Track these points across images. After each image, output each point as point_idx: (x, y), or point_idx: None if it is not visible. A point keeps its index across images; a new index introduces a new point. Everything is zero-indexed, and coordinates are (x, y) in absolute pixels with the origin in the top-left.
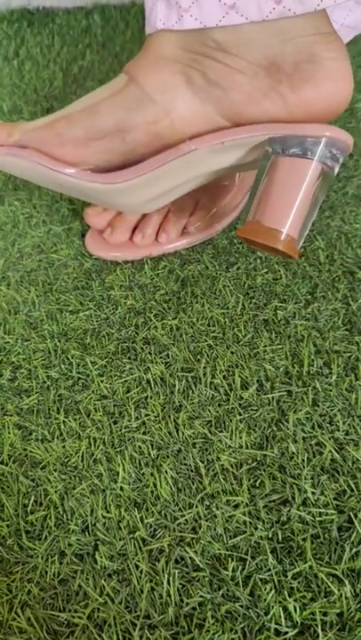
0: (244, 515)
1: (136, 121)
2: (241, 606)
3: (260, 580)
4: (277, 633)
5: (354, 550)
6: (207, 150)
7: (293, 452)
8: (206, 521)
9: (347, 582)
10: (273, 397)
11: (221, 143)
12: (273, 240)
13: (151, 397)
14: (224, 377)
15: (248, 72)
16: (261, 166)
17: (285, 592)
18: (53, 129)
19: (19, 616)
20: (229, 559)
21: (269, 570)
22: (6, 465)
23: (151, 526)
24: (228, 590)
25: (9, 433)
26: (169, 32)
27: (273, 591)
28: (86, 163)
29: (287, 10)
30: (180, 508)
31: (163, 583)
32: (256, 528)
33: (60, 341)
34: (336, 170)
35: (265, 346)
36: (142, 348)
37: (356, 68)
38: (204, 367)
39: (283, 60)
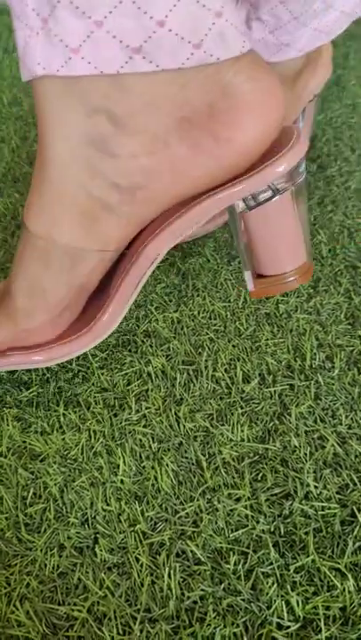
0: (245, 508)
1: (85, 273)
2: (243, 600)
3: (262, 573)
4: (280, 627)
5: (357, 544)
6: (168, 248)
7: (296, 446)
8: (208, 514)
9: (350, 576)
10: (275, 391)
11: (180, 236)
12: (288, 286)
13: (152, 390)
14: (225, 370)
15: (157, 148)
16: (231, 221)
17: (288, 586)
18: (18, 326)
19: (17, 609)
20: (231, 553)
21: (271, 564)
22: (5, 457)
23: (152, 519)
24: (229, 584)
25: (8, 425)
26: (52, 87)
27: (275, 585)
28: (63, 326)
29: (208, 55)
30: (181, 502)
31: (163, 577)
32: (258, 522)
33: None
34: (304, 174)
35: (267, 339)
36: (143, 341)
37: (351, 54)
38: (206, 360)
39: (192, 108)
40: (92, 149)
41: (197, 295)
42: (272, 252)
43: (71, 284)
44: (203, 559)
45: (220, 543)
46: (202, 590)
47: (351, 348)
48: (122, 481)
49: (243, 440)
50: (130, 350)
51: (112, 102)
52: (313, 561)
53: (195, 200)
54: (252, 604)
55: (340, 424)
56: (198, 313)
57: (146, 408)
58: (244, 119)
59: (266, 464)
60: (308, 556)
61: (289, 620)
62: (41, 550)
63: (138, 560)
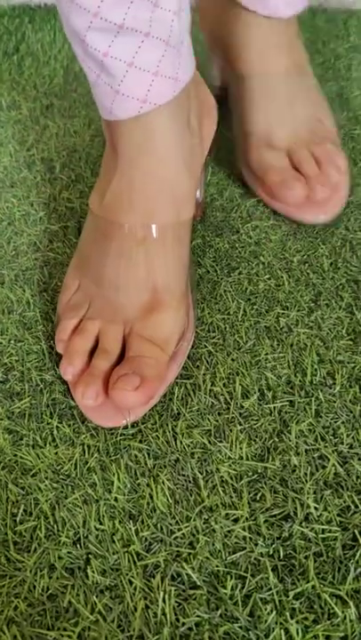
0: (243, 530)
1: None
2: (240, 627)
3: (261, 599)
4: None
5: (359, 570)
6: None
7: (296, 465)
8: (204, 535)
9: (351, 604)
10: (275, 407)
11: None
12: None
13: None
14: (224, 385)
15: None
16: None
17: (287, 613)
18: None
19: (4, 633)
20: (228, 577)
21: (270, 589)
22: None
23: (146, 540)
24: (226, 610)
25: None
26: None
27: (274, 612)
28: None
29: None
30: (176, 522)
31: (158, 601)
32: (256, 544)
33: (55, 343)
34: None
35: (267, 354)
36: None
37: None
38: (204, 374)
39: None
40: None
41: (196, 307)
42: None
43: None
44: (199, 583)
45: (217, 566)
46: (197, 616)
47: (353, 365)
48: (116, 499)
49: (241, 458)
50: None
51: None
52: (313, 587)
53: None
54: (249, 632)
55: (342, 443)
56: (196, 325)
57: (142, 423)
58: None
59: (265, 483)
60: (308, 582)
61: None
62: (30, 571)
63: (131, 583)
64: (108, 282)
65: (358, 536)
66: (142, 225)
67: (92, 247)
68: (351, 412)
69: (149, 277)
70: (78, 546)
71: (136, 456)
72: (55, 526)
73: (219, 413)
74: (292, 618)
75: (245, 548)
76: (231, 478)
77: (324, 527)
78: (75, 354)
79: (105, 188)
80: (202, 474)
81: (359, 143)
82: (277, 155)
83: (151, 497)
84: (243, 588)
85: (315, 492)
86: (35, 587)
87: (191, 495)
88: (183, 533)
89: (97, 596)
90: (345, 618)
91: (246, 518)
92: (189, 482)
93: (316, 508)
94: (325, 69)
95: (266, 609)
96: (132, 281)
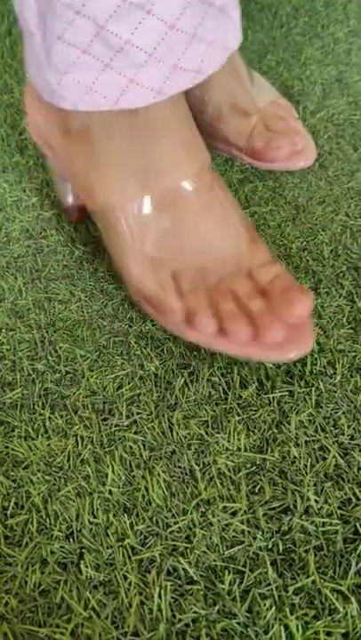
0: (242, 523)
1: None
2: (238, 624)
3: (260, 594)
4: None
5: (360, 564)
6: None
7: (295, 457)
8: (201, 529)
9: (353, 599)
10: (274, 397)
11: None
12: None
13: (144, 394)
14: (222, 374)
15: None
16: None
17: (286, 609)
18: None
19: None
20: (226, 571)
21: (269, 584)
22: None
23: (142, 533)
24: (224, 606)
25: None
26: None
27: (273, 607)
28: None
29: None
30: (173, 515)
31: (153, 597)
32: (255, 538)
33: (47, 332)
34: None
35: None
36: (136, 343)
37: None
38: (202, 364)
39: None
40: None
41: None
42: None
43: None
44: (196, 578)
45: (215, 561)
46: (194, 612)
47: (354, 354)
48: (110, 491)
49: (239, 449)
50: (122, 352)
51: None
52: (313, 582)
53: None
54: (248, 629)
55: (342, 434)
56: None
57: (137, 413)
58: None
59: (264, 475)
60: (308, 577)
61: None
62: (22, 566)
63: (126, 578)
64: (208, 247)
65: (360, 529)
66: (203, 171)
67: (157, 230)
68: (352, 402)
69: (232, 217)
70: (71, 540)
71: (131, 447)
72: (47, 520)
73: (216, 404)
74: (291, 614)
75: (244, 542)
76: (229, 470)
77: (324, 520)
78: (238, 315)
79: (148, 163)
80: (199, 466)
81: (359, 129)
82: (252, 120)
83: (146, 489)
84: (241, 583)
85: (315, 485)
86: (26, 582)
87: (188, 488)
88: (179, 527)
89: (90, 592)
90: (346, 614)
91: (245, 511)
92: (186, 474)
93: (316, 501)
94: (325, 54)
95: (265, 604)
96: (226, 228)
